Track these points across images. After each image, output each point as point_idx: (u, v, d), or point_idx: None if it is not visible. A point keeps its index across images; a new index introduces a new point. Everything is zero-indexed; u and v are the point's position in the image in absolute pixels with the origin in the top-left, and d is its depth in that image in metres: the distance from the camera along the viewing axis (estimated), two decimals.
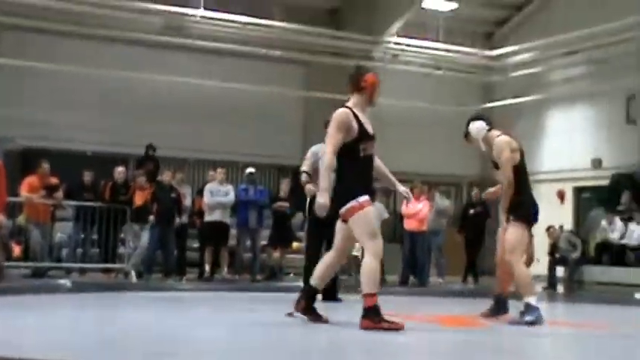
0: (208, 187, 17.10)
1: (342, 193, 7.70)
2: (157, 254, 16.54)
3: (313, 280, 8.08)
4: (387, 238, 19.94)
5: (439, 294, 15.34)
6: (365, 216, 7.62)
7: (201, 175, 21.88)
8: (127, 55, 21.29)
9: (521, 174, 8.60)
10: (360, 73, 7.95)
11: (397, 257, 18.62)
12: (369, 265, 7.56)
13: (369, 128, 7.76)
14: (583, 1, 22.80)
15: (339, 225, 7.90)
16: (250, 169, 18.01)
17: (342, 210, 7.66)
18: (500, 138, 8.69)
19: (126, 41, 20.95)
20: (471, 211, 19.24)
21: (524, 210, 8.59)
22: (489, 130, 8.84)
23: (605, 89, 21.87)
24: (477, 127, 8.87)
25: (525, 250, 8.89)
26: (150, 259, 16.36)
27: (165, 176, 17.01)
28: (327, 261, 8.11)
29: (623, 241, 18.92)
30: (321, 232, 10.57)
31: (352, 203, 7.62)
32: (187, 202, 17.56)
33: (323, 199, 7.57)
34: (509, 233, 8.51)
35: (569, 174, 22.28)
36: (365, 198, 7.63)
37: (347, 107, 7.78)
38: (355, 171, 7.73)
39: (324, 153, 7.96)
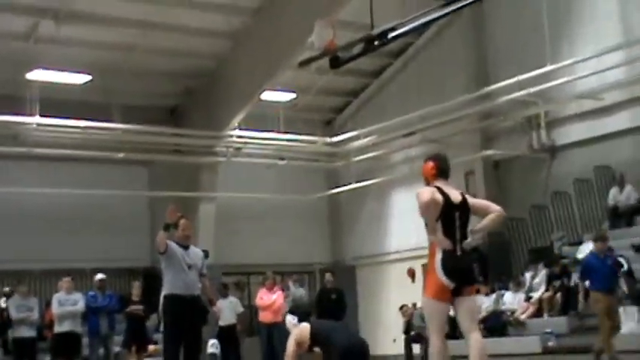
0: (56, 297, 16.62)
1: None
2: None
3: None
4: (245, 332, 19.96)
5: None
6: None
7: (49, 286, 21.18)
8: None
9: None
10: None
11: (256, 351, 18.49)
12: None
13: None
14: (415, 84, 23.60)
15: (458, 300, 7.69)
16: (100, 276, 17.62)
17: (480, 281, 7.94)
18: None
19: None
20: (333, 296, 19.15)
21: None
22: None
23: None
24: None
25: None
26: None
27: None
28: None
29: None
30: (178, 334, 10.39)
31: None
32: (34, 315, 16.98)
33: None
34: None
35: (417, 252, 22.64)
36: None
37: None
38: None
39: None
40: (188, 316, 10.52)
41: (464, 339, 7.74)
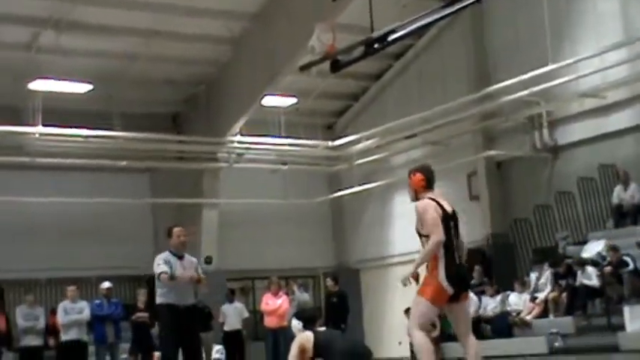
0: (61, 305, 16.69)
1: None
2: None
3: None
4: (250, 337, 19.96)
5: None
6: None
7: (54, 295, 21.18)
8: None
9: None
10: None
11: (262, 356, 18.48)
12: None
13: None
14: (415, 86, 23.59)
15: (454, 306, 8.04)
16: (107, 284, 17.65)
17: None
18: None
19: None
20: (334, 300, 19.13)
21: None
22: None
23: (447, 168, 22.44)
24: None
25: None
26: None
27: None
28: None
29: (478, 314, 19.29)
30: (175, 339, 10.44)
31: None
32: (41, 324, 17.05)
33: None
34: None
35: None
36: None
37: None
38: None
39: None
40: (183, 324, 10.56)
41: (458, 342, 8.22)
